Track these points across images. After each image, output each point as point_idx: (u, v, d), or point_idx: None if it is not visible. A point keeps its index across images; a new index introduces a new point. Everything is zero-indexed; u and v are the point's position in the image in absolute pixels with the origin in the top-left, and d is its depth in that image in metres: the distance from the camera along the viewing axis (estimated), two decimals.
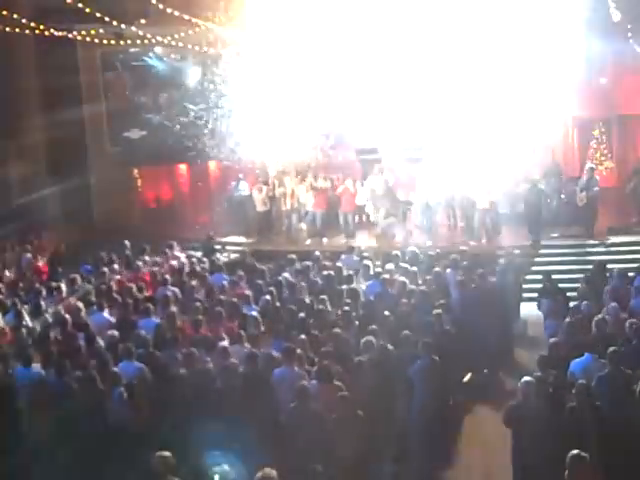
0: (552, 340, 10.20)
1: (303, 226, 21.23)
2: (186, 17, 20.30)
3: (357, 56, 22.20)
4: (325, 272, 14.47)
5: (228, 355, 10.12)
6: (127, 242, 17.94)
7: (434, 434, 10.03)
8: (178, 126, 23.41)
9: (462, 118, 22.27)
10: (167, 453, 7.25)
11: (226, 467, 6.93)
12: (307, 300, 12.85)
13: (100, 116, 25.13)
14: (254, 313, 11.98)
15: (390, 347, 10.23)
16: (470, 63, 21.49)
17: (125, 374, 9.87)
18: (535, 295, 16.05)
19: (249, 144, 23.02)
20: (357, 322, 11.60)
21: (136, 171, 26.11)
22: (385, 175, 21.31)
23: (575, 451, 7.11)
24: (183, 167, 26.31)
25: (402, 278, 13.61)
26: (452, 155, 22.08)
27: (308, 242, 20.69)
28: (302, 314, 11.93)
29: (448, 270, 14.45)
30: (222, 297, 13.09)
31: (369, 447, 8.69)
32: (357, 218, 22.01)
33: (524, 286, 15.43)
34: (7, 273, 16.46)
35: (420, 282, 13.70)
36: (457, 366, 11.85)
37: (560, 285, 16.82)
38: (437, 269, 14.28)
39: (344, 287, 13.37)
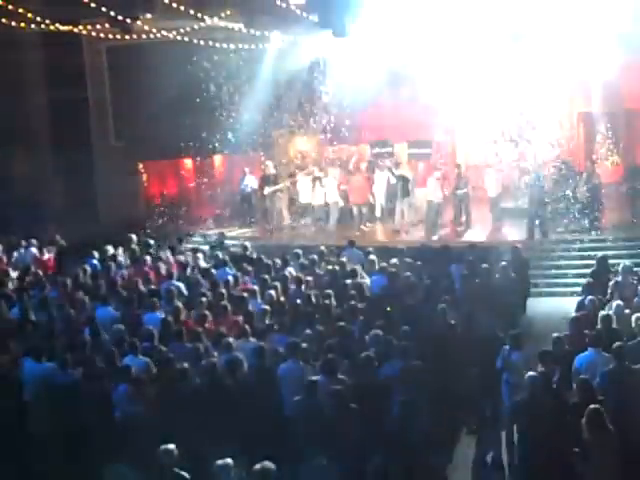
0: (555, 335, 10.19)
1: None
2: (192, 12, 20.30)
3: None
4: (330, 266, 14.49)
5: (232, 350, 10.15)
6: (134, 236, 18.02)
7: (434, 431, 10.02)
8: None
9: (468, 114, 22.31)
10: (172, 446, 7.29)
11: (229, 461, 6.96)
12: (312, 294, 12.86)
13: (106, 111, 25.17)
14: (264, 307, 12.00)
15: (395, 342, 10.23)
16: (477, 59, 21.47)
17: None
18: (540, 290, 16.13)
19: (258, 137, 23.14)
20: (362, 316, 11.61)
21: (141, 166, 26.16)
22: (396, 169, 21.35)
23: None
24: (188, 161, 26.35)
25: (407, 272, 13.62)
26: (458, 150, 22.14)
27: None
28: (307, 308, 11.95)
29: (453, 265, 14.46)
30: (227, 291, 13.13)
31: (368, 442, 8.69)
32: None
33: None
34: (12, 272, 16.47)
35: (425, 276, 13.69)
36: (462, 361, 11.82)
37: (564, 280, 16.94)
38: (443, 263, 14.28)
39: (349, 281, 13.39)
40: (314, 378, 9.04)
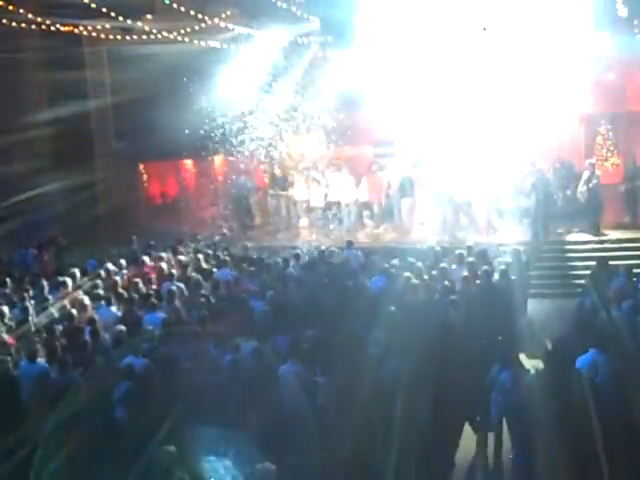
0: (556, 336, 10.17)
1: None
2: (192, 12, 20.33)
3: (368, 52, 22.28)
4: (330, 267, 14.49)
5: (239, 351, 10.13)
6: (134, 237, 18.04)
7: (436, 432, 10.01)
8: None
9: (469, 114, 22.28)
10: (172, 447, 7.26)
11: (228, 462, 6.94)
12: (313, 295, 12.85)
13: (106, 111, 25.17)
14: (264, 307, 11.97)
15: (396, 343, 10.20)
16: (477, 59, 21.48)
17: None
18: (540, 291, 16.09)
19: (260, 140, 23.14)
20: (363, 317, 11.59)
21: (142, 166, 26.16)
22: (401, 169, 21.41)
23: None
24: (189, 162, 26.35)
25: (407, 273, 13.60)
26: (458, 152, 22.11)
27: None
28: (308, 309, 11.94)
29: (454, 266, 14.44)
30: (227, 292, 13.12)
31: (370, 443, 8.68)
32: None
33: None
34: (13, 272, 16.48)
35: (426, 277, 13.67)
36: (462, 361, 11.82)
37: (565, 281, 16.93)
38: (443, 265, 14.27)
39: (349, 282, 13.38)
40: (315, 379, 9.03)
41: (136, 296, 13.24)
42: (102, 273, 15.31)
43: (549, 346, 10.04)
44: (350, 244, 16.53)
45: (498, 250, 16.60)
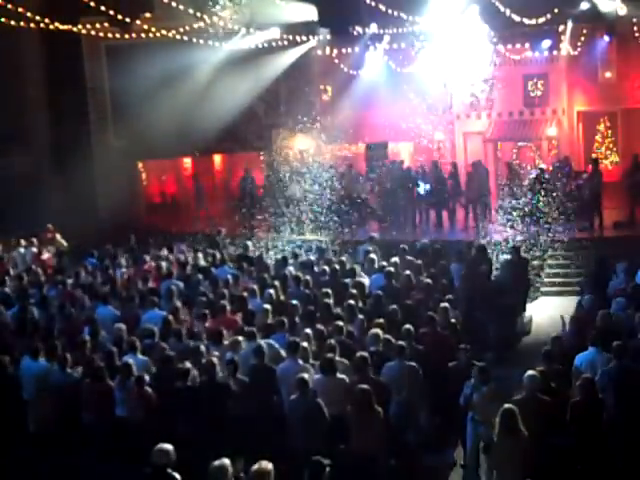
0: (554, 334, 10.17)
1: None
2: (191, 11, 20.33)
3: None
4: (330, 265, 14.45)
5: (240, 349, 10.12)
6: (132, 236, 18.02)
7: (436, 431, 10.02)
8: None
9: (467, 113, 22.34)
10: (168, 446, 7.21)
11: (226, 461, 6.90)
12: (312, 293, 12.83)
13: (105, 110, 25.17)
14: (264, 306, 11.95)
15: (394, 341, 10.19)
16: (475, 57, 21.51)
17: None
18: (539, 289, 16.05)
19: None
20: (362, 316, 11.58)
21: (141, 165, 26.15)
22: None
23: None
24: (188, 160, 26.34)
25: (407, 271, 13.58)
26: (456, 150, 22.15)
27: None
28: (307, 307, 11.93)
29: (453, 264, 14.42)
30: (226, 290, 13.10)
31: (369, 441, 8.67)
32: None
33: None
34: (11, 270, 16.47)
35: (425, 275, 13.65)
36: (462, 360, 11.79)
37: (564, 280, 16.94)
38: (442, 262, 14.26)
39: (349, 280, 13.35)
40: (304, 375, 8.96)
41: (135, 294, 13.21)
42: (101, 272, 15.31)
43: (548, 344, 10.06)
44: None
45: (498, 248, 16.62)
